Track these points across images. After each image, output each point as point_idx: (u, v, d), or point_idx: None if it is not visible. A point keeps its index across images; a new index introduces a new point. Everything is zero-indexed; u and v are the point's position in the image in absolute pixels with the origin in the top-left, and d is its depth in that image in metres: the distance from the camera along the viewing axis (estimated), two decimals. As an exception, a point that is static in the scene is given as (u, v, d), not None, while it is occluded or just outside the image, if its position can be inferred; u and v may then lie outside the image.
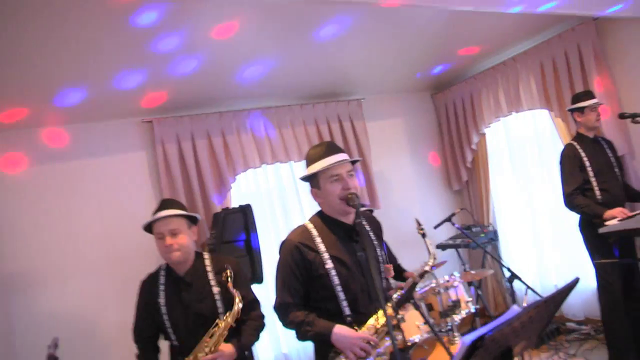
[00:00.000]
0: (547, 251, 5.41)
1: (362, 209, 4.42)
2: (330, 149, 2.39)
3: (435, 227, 4.21)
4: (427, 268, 2.53)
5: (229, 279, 2.62)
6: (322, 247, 2.31)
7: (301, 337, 2.33)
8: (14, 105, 3.91)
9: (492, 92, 5.50)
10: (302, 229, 2.42)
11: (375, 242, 2.50)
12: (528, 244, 5.60)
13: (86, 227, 4.29)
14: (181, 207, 2.83)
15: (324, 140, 5.11)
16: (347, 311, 2.28)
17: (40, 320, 3.93)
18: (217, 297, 2.71)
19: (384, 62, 5.17)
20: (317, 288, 2.33)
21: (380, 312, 2.26)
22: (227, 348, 2.60)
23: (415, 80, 5.87)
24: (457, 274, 3.88)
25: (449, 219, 4.03)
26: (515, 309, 1.48)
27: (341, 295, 2.27)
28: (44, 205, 4.16)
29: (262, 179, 5.18)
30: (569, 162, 4.08)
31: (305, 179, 2.45)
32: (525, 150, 5.49)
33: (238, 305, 2.60)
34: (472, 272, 4.21)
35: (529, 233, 5.56)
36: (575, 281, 1.94)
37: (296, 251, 2.32)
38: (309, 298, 2.39)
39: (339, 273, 2.28)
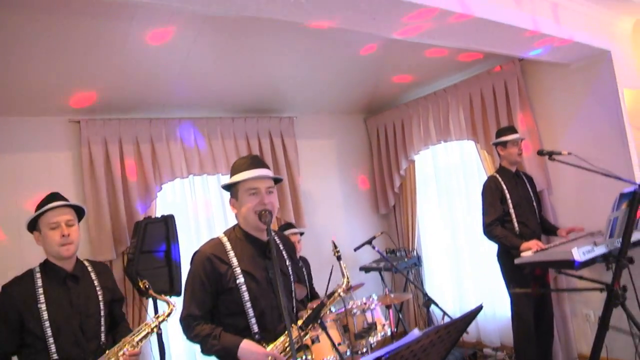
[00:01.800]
0: (467, 278, 5.57)
1: (294, 230, 4.43)
2: (255, 162, 2.38)
3: (355, 250, 4.24)
4: (340, 291, 2.53)
5: (148, 288, 2.83)
6: (234, 260, 2.28)
7: (206, 351, 2.26)
8: None
9: (423, 121, 5.65)
10: (216, 242, 2.38)
11: (288, 262, 2.50)
12: (450, 271, 5.75)
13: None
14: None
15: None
16: (255, 328, 2.25)
17: None
18: (100, 297, 2.70)
19: (318, 81, 5.22)
20: (226, 302, 2.28)
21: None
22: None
23: (348, 102, 5.95)
24: (374, 297, 3.90)
25: (369, 242, 4.08)
26: (415, 332, 1.48)
27: (250, 312, 2.25)
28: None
29: (188, 190, 5.06)
30: (490, 193, 4.22)
31: (227, 187, 2.43)
32: (451, 180, 5.66)
33: (170, 310, 2.69)
34: (392, 295, 4.25)
35: (451, 260, 5.71)
36: (479, 308, 1.98)
37: (208, 263, 2.27)
38: (215, 313, 2.34)
39: (249, 288, 2.26)
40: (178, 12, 3.63)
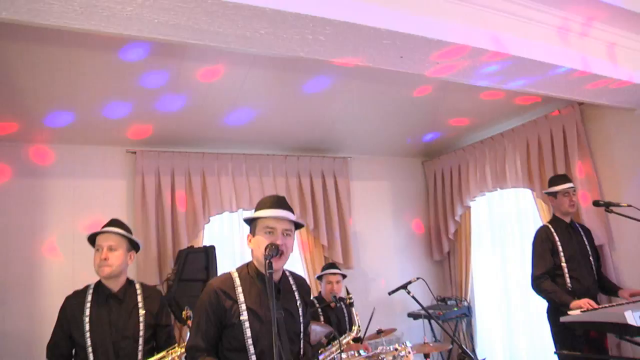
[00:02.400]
0: (519, 333, 5.20)
1: (334, 270, 4.37)
2: (279, 203, 2.38)
3: (390, 294, 4.03)
4: (347, 339, 2.44)
5: (189, 318, 2.86)
6: (241, 297, 2.27)
7: None
8: (5, 120, 4.09)
9: (479, 166, 5.46)
10: (227, 277, 2.37)
11: (299, 303, 2.43)
12: (501, 324, 5.39)
13: (56, 245, 4.36)
14: (128, 230, 2.99)
15: (303, 194, 5.16)
16: None
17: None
18: (141, 319, 2.84)
19: (373, 122, 5.20)
20: (229, 337, 2.26)
21: None
22: None
23: (406, 145, 5.87)
24: (408, 343, 3.72)
25: (404, 287, 3.88)
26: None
27: (251, 349, 2.22)
28: (19, 217, 4.27)
29: (236, 223, 5.17)
30: (540, 244, 3.94)
31: (247, 222, 2.43)
32: (506, 228, 5.38)
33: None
34: (431, 344, 4.04)
35: (503, 312, 5.36)
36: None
37: (214, 296, 2.28)
38: (220, 346, 2.31)
39: (252, 326, 2.23)
40: (226, 51, 3.80)
